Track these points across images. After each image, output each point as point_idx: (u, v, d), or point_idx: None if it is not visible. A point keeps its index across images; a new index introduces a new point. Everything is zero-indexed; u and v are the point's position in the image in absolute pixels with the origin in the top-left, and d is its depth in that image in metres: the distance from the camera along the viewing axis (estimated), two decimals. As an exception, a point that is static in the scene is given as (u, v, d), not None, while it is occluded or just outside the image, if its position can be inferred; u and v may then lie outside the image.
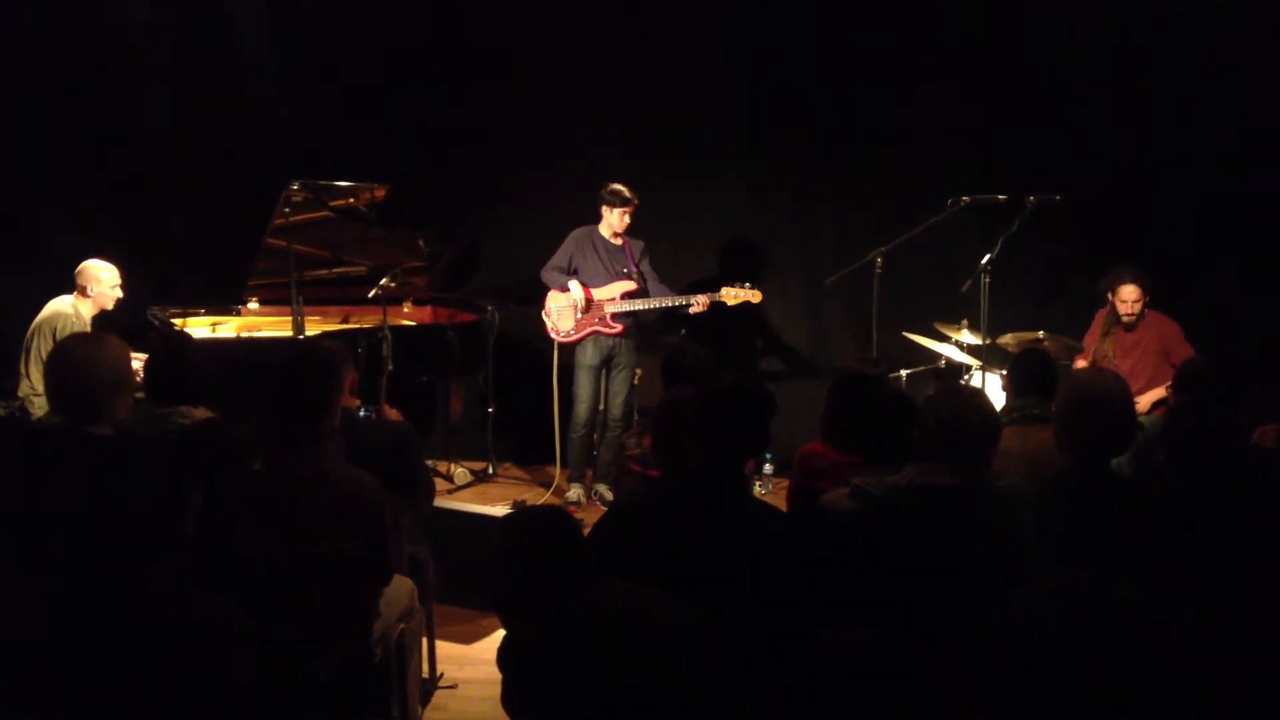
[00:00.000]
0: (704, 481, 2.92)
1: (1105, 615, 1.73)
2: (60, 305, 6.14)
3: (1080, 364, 5.98)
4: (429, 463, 7.15)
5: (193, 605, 2.21)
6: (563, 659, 2.31)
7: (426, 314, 7.26)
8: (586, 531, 2.89)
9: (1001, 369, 5.67)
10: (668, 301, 6.51)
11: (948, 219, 5.88)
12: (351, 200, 6.76)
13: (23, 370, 6.11)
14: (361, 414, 4.15)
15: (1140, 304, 5.87)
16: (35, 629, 2.14)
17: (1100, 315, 6.08)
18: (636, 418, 6.88)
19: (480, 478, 7.17)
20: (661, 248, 7.00)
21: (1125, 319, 5.90)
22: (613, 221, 6.51)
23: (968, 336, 6.17)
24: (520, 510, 2.79)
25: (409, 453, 4.01)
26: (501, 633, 2.52)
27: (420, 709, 3.98)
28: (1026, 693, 1.71)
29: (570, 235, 6.63)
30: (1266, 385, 5.32)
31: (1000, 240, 5.61)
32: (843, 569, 2.86)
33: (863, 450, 3.55)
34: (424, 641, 4.10)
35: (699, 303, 6.41)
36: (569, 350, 6.67)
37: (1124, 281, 5.88)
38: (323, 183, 6.44)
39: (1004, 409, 4.22)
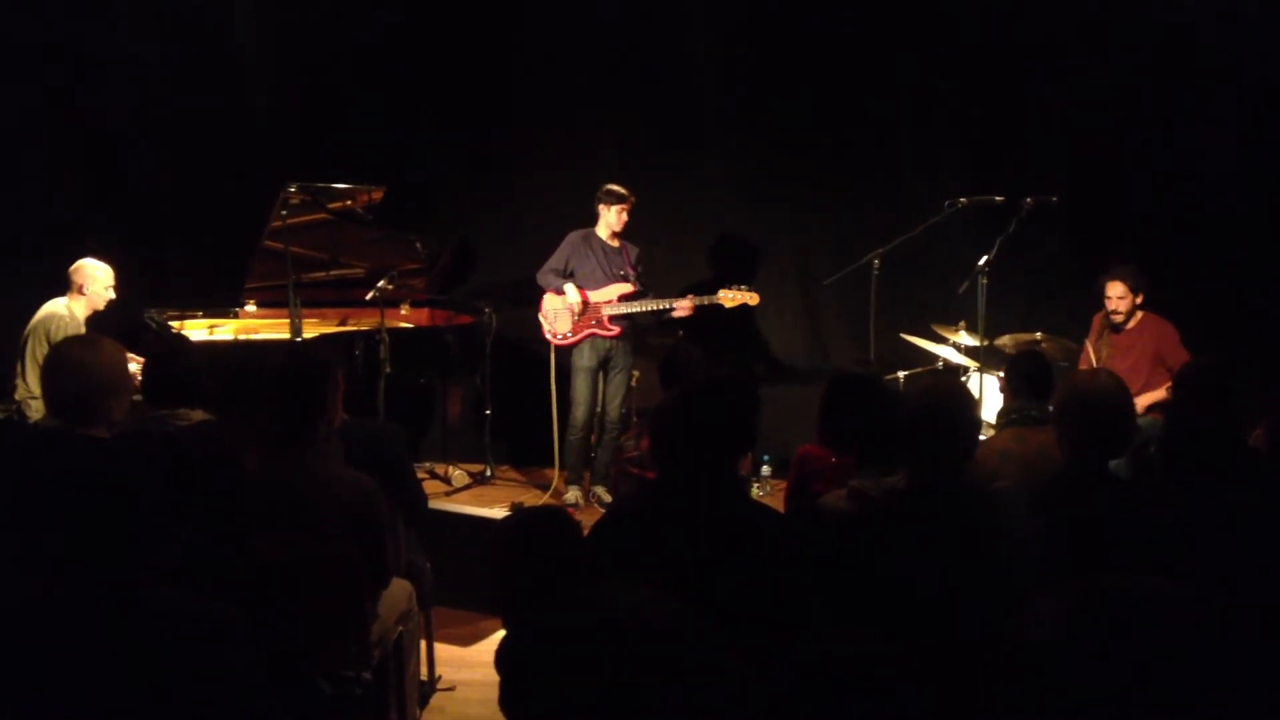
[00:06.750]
0: (699, 483, 2.92)
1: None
2: (54, 308, 6.13)
3: (1082, 367, 5.97)
4: (426, 465, 7.24)
5: (189, 609, 2.21)
6: (561, 661, 2.31)
7: (424, 316, 7.25)
8: (584, 534, 2.89)
9: (999, 371, 5.67)
10: (661, 304, 6.51)
11: (944, 221, 5.90)
12: (349, 202, 6.77)
13: (18, 373, 6.10)
14: None
15: (1127, 301, 5.85)
16: (30, 632, 2.13)
17: (1097, 318, 6.08)
18: (634, 420, 6.88)
19: (478, 480, 7.16)
20: (658, 250, 7.02)
21: (1112, 317, 5.90)
22: (610, 220, 6.51)
23: (965, 338, 6.17)
24: (519, 512, 2.79)
25: (401, 458, 3.99)
26: (499, 635, 2.52)
27: (419, 711, 3.98)
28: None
29: (567, 237, 6.63)
30: (1265, 387, 5.32)
31: (997, 242, 5.62)
32: (841, 571, 2.86)
33: (858, 452, 3.55)
34: (422, 644, 4.09)
35: (682, 307, 6.42)
36: (566, 352, 6.67)
37: (1111, 278, 5.88)
38: (320, 185, 6.45)
39: (1001, 411, 4.23)
